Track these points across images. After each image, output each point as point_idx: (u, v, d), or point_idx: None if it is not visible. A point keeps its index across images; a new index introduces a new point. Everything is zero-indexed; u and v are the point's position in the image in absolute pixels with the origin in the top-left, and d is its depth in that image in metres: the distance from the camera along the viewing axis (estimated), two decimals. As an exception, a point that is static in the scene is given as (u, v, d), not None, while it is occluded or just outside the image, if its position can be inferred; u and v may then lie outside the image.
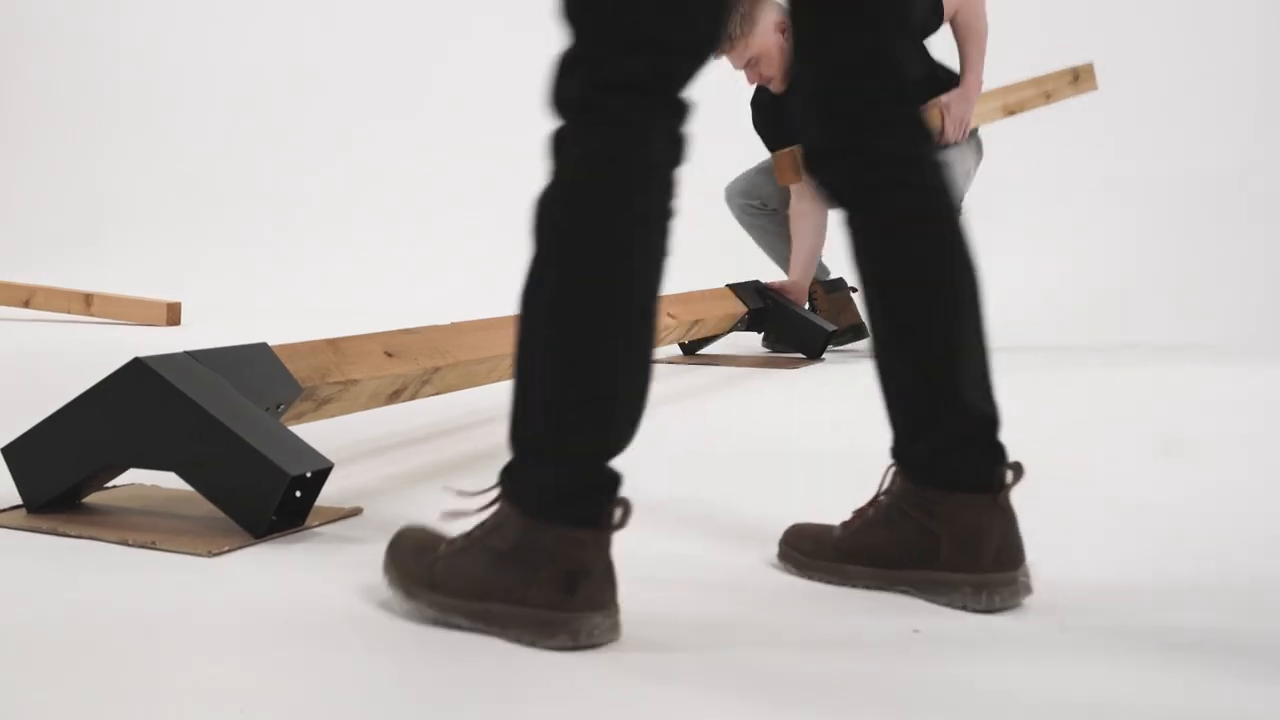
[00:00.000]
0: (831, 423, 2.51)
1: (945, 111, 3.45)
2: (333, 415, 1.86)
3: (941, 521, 1.20)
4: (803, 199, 3.62)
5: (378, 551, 1.23)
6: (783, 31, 3.33)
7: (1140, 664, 1.10)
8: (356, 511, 1.63)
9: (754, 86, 3.63)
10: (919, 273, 1.24)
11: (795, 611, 1.24)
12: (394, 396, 1.97)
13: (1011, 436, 1.22)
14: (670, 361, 3.49)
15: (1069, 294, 4.75)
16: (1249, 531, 1.58)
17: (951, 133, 3.45)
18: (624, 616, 1.12)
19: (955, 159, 3.49)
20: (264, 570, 1.37)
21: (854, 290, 3.78)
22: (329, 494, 1.63)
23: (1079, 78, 3.95)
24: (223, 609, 1.25)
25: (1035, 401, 2.77)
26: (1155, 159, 5.15)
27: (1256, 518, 1.66)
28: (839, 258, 3.76)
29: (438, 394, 2.13)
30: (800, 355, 3.63)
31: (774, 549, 1.36)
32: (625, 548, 1.12)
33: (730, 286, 3.58)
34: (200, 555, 1.39)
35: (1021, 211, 4.95)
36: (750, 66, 3.41)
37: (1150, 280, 4.83)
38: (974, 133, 3.68)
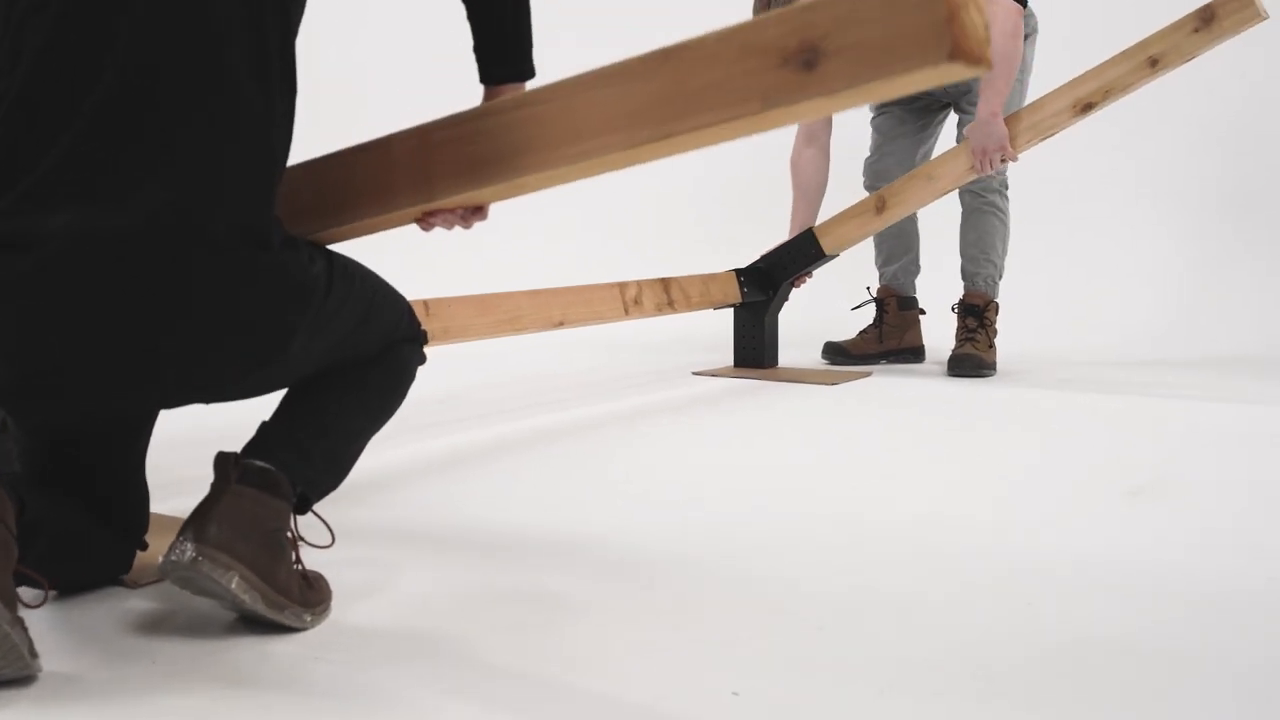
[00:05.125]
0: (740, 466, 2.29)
1: (969, 140, 3.19)
2: None
3: None
4: (809, 143, 3.55)
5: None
6: None
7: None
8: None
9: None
10: None
11: (615, 664, 1.16)
12: None
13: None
14: (724, 374, 3.46)
15: (1096, 311, 4.56)
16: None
17: (977, 166, 3.19)
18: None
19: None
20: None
21: (923, 313, 3.75)
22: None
23: None
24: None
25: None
26: (1188, 169, 4.86)
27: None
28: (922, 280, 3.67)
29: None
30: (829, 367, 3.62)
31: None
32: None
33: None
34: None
35: (1047, 223, 4.75)
36: None
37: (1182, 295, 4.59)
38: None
